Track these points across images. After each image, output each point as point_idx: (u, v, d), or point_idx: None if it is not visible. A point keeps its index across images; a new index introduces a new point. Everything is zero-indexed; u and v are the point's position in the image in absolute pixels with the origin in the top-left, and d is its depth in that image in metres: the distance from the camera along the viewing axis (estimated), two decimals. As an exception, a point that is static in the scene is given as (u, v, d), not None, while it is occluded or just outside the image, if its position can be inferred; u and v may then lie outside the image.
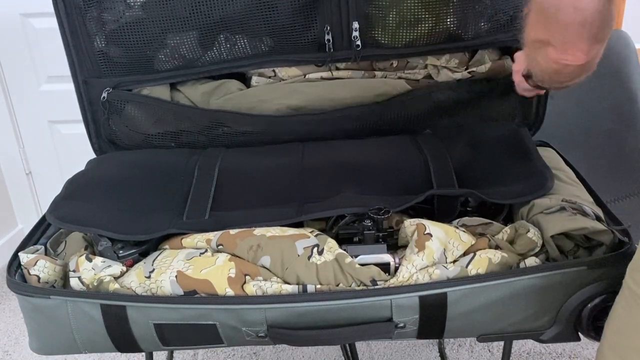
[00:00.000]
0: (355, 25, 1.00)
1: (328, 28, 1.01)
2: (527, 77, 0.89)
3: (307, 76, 1.08)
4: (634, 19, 1.54)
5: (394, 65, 1.07)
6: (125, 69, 1.04)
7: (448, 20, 0.99)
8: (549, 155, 0.98)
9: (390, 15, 1.00)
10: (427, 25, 1.00)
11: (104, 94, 1.05)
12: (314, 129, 1.08)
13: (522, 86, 0.96)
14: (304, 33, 1.02)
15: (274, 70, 1.09)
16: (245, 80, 1.11)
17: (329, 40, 1.01)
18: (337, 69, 1.08)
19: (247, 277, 0.75)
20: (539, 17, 0.71)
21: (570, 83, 0.78)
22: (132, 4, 0.99)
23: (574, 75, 0.75)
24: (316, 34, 1.01)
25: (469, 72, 1.05)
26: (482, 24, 1.01)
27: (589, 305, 0.72)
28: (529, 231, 0.77)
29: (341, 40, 1.02)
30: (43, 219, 0.91)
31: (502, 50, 1.06)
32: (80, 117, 1.09)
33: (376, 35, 1.02)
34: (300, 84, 1.08)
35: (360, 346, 1.45)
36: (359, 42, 1.01)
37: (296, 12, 0.99)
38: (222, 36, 1.02)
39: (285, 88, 1.07)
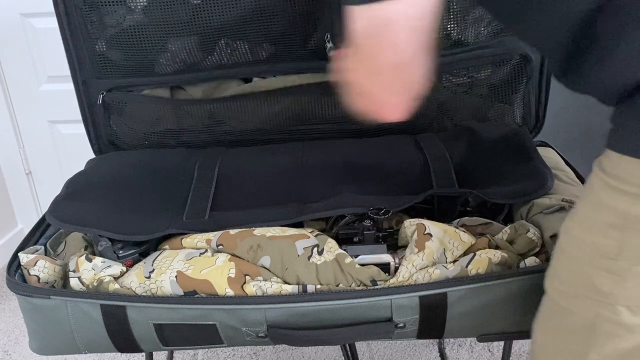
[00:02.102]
0: None
1: (328, 36, 1.01)
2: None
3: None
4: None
5: None
6: (125, 72, 1.05)
7: (449, 26, 0.99)
8: (549, 155, 0.98)
9: None
10: None
11: (100, 97, 1.05)
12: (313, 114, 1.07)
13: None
14: (304, 41, 1.02)
15: (274, 76, 1.09)
16: (247, 81, 1.11)
17: (329, 48, 1.01)
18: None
19: (247, 277, 0.75)
20: (359, 60, 0.59)
21: None
22: (134, 7, 0.99)
23: None
24: (316, 42, 1.02)
25: (469, 77, 1.05)
26: (482, 28, 1.01)
27: (589, 305, 0.72)
28: (528, 231, 0.77)
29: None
30: (43, 219, 0.91)
31: (500, 57, 1.06)
32: (79, 117, 1.09)
33: None
34: (300, 75, 1.07)
35: (360, 346, 1.45)
36: None
37: (296, 20, 0.99)
38: (222, 41, 1.02)
39: (285, 80, 1.07)
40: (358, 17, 0.55)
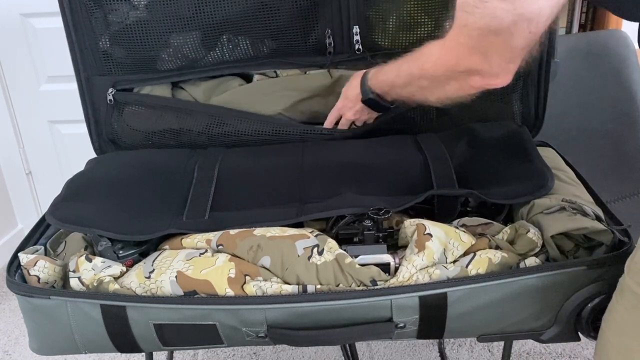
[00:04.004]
0: (356, 29, 1.01)
1: (329, 32, 1.02)
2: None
3: (307, 73, 1.08)
4: (634, 19, 1.53)
5: None
6: (128, 68, 1.05)
7: (447, 23, 1.00)
8: (549, 155, 0.98)
9: (390, 19, 1.00)
10: (426, 28, 1.00)
11: (109, 94, 1.05)
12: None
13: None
14: (305, 36, 1.02)
15: (275, 72, 1.09)
16: (247, 80, 1.12)
17: (330, 43, 1.02)
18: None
19: (247, 278, 0.75)
20: (478, 45, 0.69)
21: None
22: (137, 4, 0.99)
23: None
24: (317, 37, 1.02)
25: None
26: None
27: (589, 305, 0.72)
28: (529, 231, 0.77)
29: (342, 44, 1.03)
30: (43, 219, 0.91)
31: None
32: (79, 117, 1.09)
33: (376, 39, 1.03)
34: (301, 76, 1.08)
35: (360, 346, 1.45)
36: (359, 46, 1.02)
37: (297, 16, 1.00)
38: (224, 37, 1.03)
39: (286, 81, 1.08)
40: None
